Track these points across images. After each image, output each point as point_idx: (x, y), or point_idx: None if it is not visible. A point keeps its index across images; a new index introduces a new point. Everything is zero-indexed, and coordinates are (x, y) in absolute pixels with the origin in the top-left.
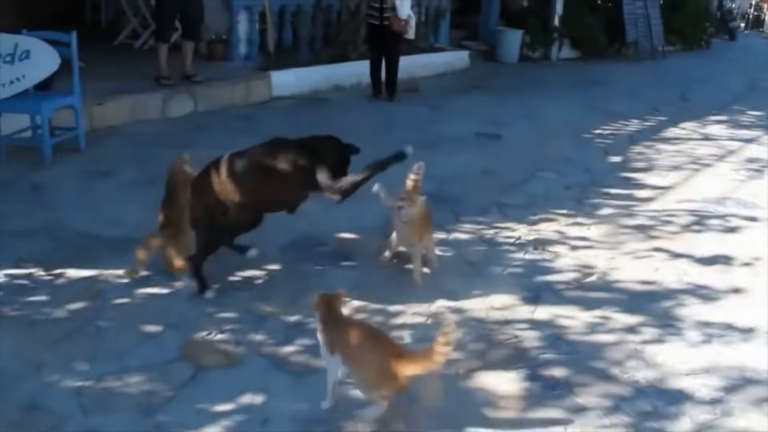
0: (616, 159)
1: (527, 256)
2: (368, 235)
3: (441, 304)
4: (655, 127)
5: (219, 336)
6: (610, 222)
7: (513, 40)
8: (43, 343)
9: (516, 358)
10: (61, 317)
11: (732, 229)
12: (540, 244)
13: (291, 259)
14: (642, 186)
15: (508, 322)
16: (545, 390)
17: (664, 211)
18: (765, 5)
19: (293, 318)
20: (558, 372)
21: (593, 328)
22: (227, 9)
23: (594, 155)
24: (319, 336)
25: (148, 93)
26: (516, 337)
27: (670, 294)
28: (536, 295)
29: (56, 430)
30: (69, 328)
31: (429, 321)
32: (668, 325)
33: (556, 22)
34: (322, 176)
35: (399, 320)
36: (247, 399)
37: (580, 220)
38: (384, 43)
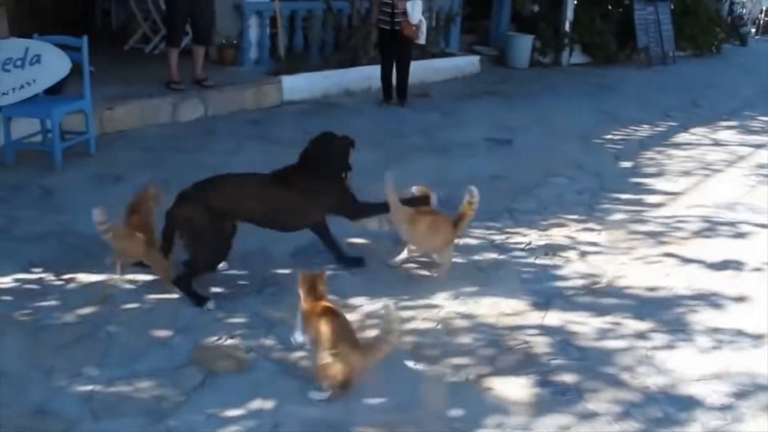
0: (627, 164)
1: (538, 262)
2: (378, 240)
3: (451, 309)
4: (665, 132)
5: (229, 341)
6: (620, 227)
7: (524, 45)
8: (53, 348)
9: (526, 363)
10: (70, 322)
11: (742, 235)
12: (551, 249)
13: (300, 264)
14: (652, 191)
15: (518, 328)
16: (555, 395)
17: (674, 216)
18: None
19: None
20: (568, 378)
21: (603, 333)
22: (238, 13)
23: (605, 160)
24: (299, 310)
25: (159, 97)
26: (526, 342)
27: (681, 300)
28: (546, 300)
29: None
30: (79, 333)
31: (439, 327)
32: (678, 330)
33: (567, 27)
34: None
35: (409, 325)
36: (257, 404)
37: (590, 225)
38: (395, 48)
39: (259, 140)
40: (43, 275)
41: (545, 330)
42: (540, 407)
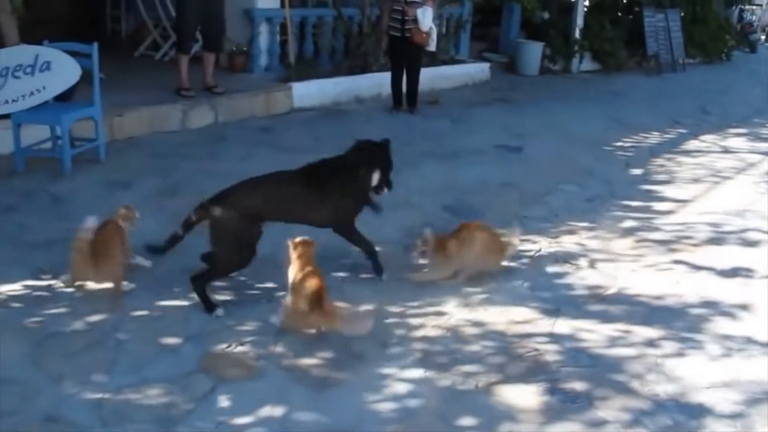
0: (637, 171)
1: (548, 269)
2: (390, 247)
3: (460, 317)
4: (675, 139)
5: (238, 348)
6: (630, 235)
7: (534, 52)
8: (62, 355)
9: (536, 371)
10: (80, 329)
11: (752, 243)
12: (561, 256)
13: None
14: (662, 199)
15: (528, 335)
16: (565, 403)
17: (684, 224)
18: None
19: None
20: (578, 385)
21: (613, 341)
22: (248, 20)
23: (615, 168)
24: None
25: (169, 104)
26: (536, 350)
27: (690, 307)
28: (556, 308)
29: None
30: (88, 340)
31: (449, 334)
32: (688, 338)
33: (577, 34)
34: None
35: (420, 333)
36: (267, 412)
37: (600, 232)
38: (405, 55)
39: (269, 147)
40: (52, 282)
41: (555, 337)
42: (550, 415)
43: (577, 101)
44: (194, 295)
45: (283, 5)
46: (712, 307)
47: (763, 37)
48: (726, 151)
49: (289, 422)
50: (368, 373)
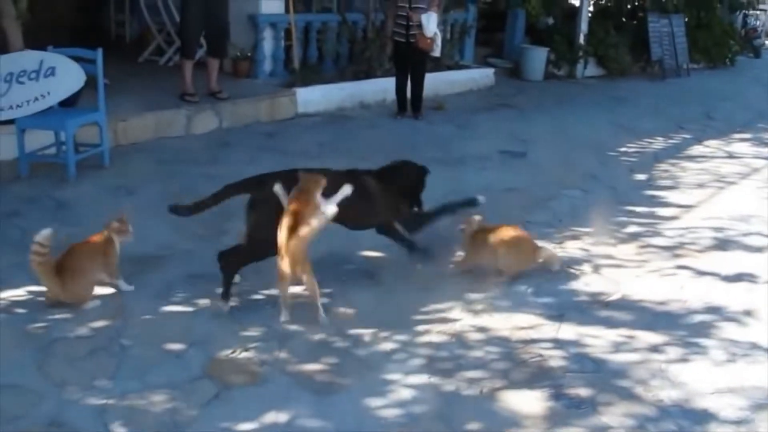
0: (641, 177)
1: (552, 275)
2: (393, 253)
3: (465, 322)
4: (679, 144)
5: (243, 354)
6: (634, 240)
7: (538, 57)
8: (66, 361)
9: (540, 376)
10: (83, 335)
11: (757, 248)
12: (565, 262)
13: (315, 276)
14: (667, 204)
15: (532, 341)
16: (569, 409)
17: (688, 229)
18: None
19: (317, 336)
20: (582, 391)
21: (617, 346)
22: (252, 26)
23: (619, 173)
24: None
25: (173, 110)
26: (540, 355)
27: (695, 313)
28: (561, 313)
29: None
30: (92, 346)
31: (453, 340)
32: (693, 344)
33: (582, 40)
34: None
35: (424, 338)
36: (271, 417)
37: (605, 238)
38: (410, 61)
39: (273, 153)
40: None
41: (559, 343)
42: (554, 420)
43: (582, 106)
44: (198, 301)
45: (287, 10)
46: (717, 312)
47: (767, 42)
48: (730, 156)
49: (293, 428)
50: (373, 378)
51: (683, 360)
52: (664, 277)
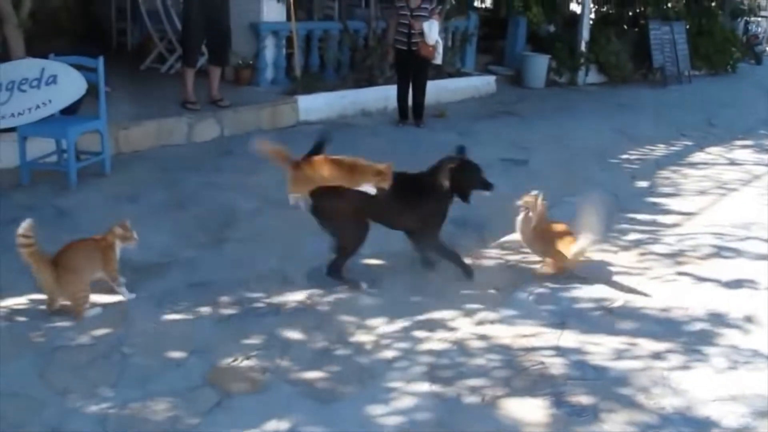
0: (643, 184)
1: (553, 282)
2: (394, 260)
3: (466, 330)
4: (681, 151)
5: (244, 362)
6: (636, 247)
7: (540, 65)
8: (67, 369)
9: (542, 384)
10: (85, 343)
11: (758, 255)
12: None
13: (317, 284)
14: (668, 211)
15: (533, 349)
16: (571, 416)
17: (690, 236)
18: None
19: (319, 344)
20: (584, 398)
21: (619, 354)
22: (254, 34)
23: (621, 180)
24: None
25: (174, 117)
26: (542, 363)
27: (696, 320)
28: (562, 321)
29: None
30: (93, 354)
31: (455, 347)
32: (694, 351)
33: (583, 47)
34: None
35: (425, 346)
36: (273, 425)
37: (606, 245)
38: (412, 69)
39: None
40: None
41: (561, 351)
42: (555, 428)
43: (583, 114)
44: (199, 309)
45: (289, 18)
46: (718, 319)
47: None
48: (732, 163)
49: None
50: (374, 386)
51: (685, 367)
52: (666, 284)
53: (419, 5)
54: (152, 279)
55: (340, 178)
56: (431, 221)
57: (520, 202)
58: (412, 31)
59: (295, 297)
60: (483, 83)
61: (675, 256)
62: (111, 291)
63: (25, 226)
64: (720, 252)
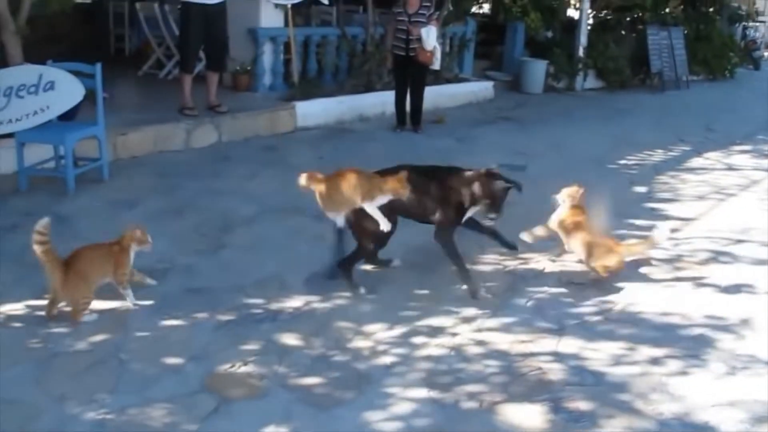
0: (641, 189)
1: (552, 288)
2: (392, 267)
3: (464, 336)
4: (679, 157)
5: (242, 368)
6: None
7: (537, 70)
8: (65, 375)
9: (540, 390)
10: (82, 349)
11: (757, 260)
12: (564, 275)
13: (314, 290)
14: (667, 217)
15: (532, 354)
16: (569, 422)
17: (688, 241)
18: None
19: (317, 350)
20: (582, 404)
21: (618, 359)
22: (252, 39)
23: (619, 185)
24: None
25: (172, 123)
26: (540, 369)
27: (695, 325)
28: (560, 326)
29: None
30: (91, 360)
31: (452, 353)
32: (693, 356)
33: (581, 52)
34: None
35: (423, 352)
36: (271, 431)
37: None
38: (410, 74)
39: (273, 166)
40: None
41: (559, 356)
42: None
43: (581, 119)
44: (197, 315)
45: (286, 24)
46: (717, 325)
47: (766, 54)
48: (730, 168)
49: None
50: (372, 392)
51: (683, 373)
52: (665, 289)
53: (417, 11)
54: (152, 285)
55: (359, 192)
56: (448, 213)
57: (560, 195)
58: (410, 37)
59: (293, 303)
60: (481, 89)
61: (673, 262)
62: (110, 297)
63: (42, 222)
64: (718, 257)
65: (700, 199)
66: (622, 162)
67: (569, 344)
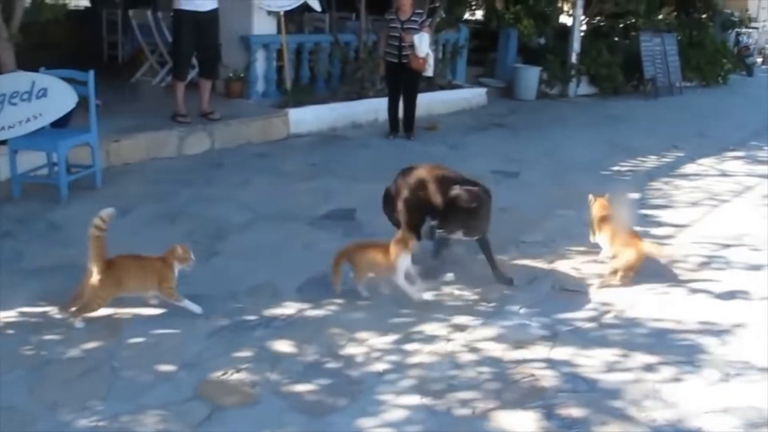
0: (635, 196)
1: (545, 294)
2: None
3: (457, 342)
4: (673, 163)
5: (235, 375)
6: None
7: (531, 77)
8: (58, 382)
9: (533, 396)
10: (75, 356)
11: (750, 266)
12: (557, 282)
13: (307, 297)
14: (660, 223)
15: (525, 361)
16: (562, 429)
17: (682, 247)
18: None
19: (310, 357)
20: (575, 411)
21: (611, 366)
22: (245, 47)
23: (612, 192)
24: None
25: (165, 130)
26: (533, 375)
27: (689, 331)
28: (553, 333)
29: None
30: (84, 367)
31: (445, 360)
32: (686, 363)
33: (574, 59)
34: None
35: (416, 359)
36: None
37: (598, 257)
38: (403, 81)
39: (266, 173)
40: (48, 309)
41: (552, 363)
42: None
43: (575, 126)
44: (190, 322)
45: (279, 31)
46: (711, 331)
47: (759, 60)
48: (723, 174)
49: None
50: (364, 399)
51: (677, 379)
52: (658, 296)
53: (410, 18)
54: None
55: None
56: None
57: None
58: (403, 44)
59: (286, 310)
60: (474, 95)
61: (667, 268)
62: (106, 305)
63: (108, 211)
64: (711, 263)
65: (693, 205)
66: (616, 168)
67: (562, 351)
